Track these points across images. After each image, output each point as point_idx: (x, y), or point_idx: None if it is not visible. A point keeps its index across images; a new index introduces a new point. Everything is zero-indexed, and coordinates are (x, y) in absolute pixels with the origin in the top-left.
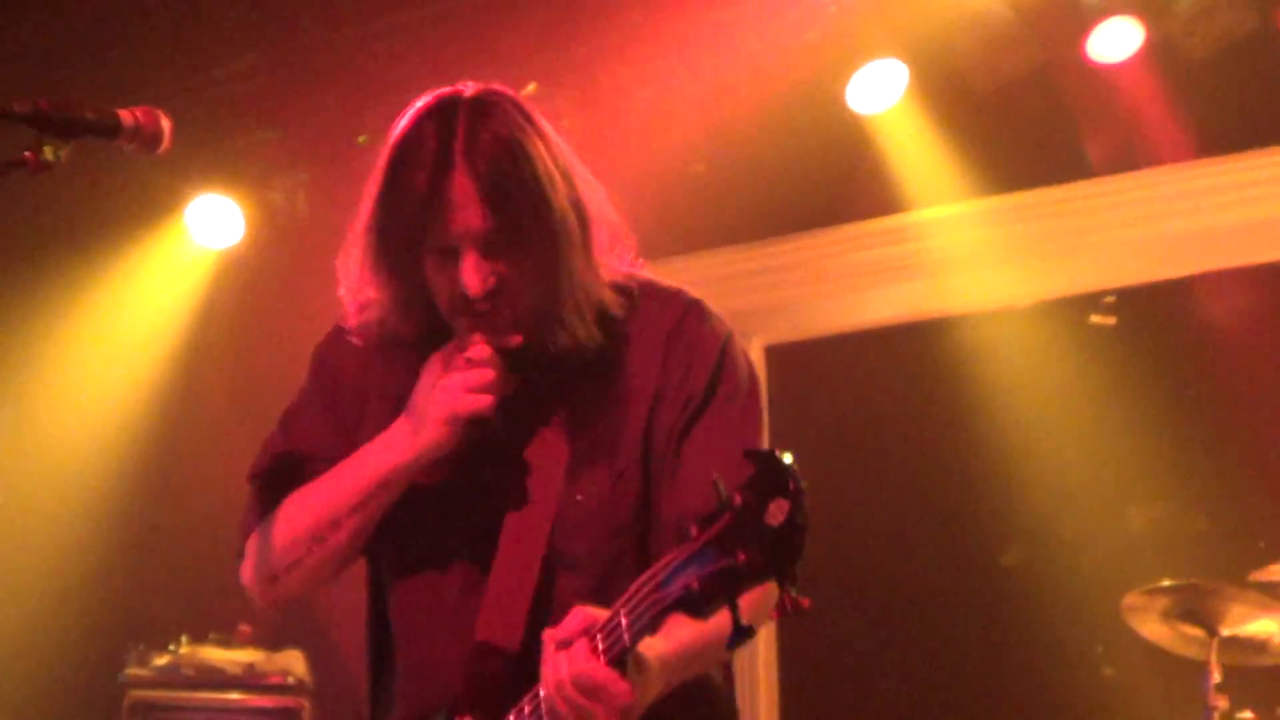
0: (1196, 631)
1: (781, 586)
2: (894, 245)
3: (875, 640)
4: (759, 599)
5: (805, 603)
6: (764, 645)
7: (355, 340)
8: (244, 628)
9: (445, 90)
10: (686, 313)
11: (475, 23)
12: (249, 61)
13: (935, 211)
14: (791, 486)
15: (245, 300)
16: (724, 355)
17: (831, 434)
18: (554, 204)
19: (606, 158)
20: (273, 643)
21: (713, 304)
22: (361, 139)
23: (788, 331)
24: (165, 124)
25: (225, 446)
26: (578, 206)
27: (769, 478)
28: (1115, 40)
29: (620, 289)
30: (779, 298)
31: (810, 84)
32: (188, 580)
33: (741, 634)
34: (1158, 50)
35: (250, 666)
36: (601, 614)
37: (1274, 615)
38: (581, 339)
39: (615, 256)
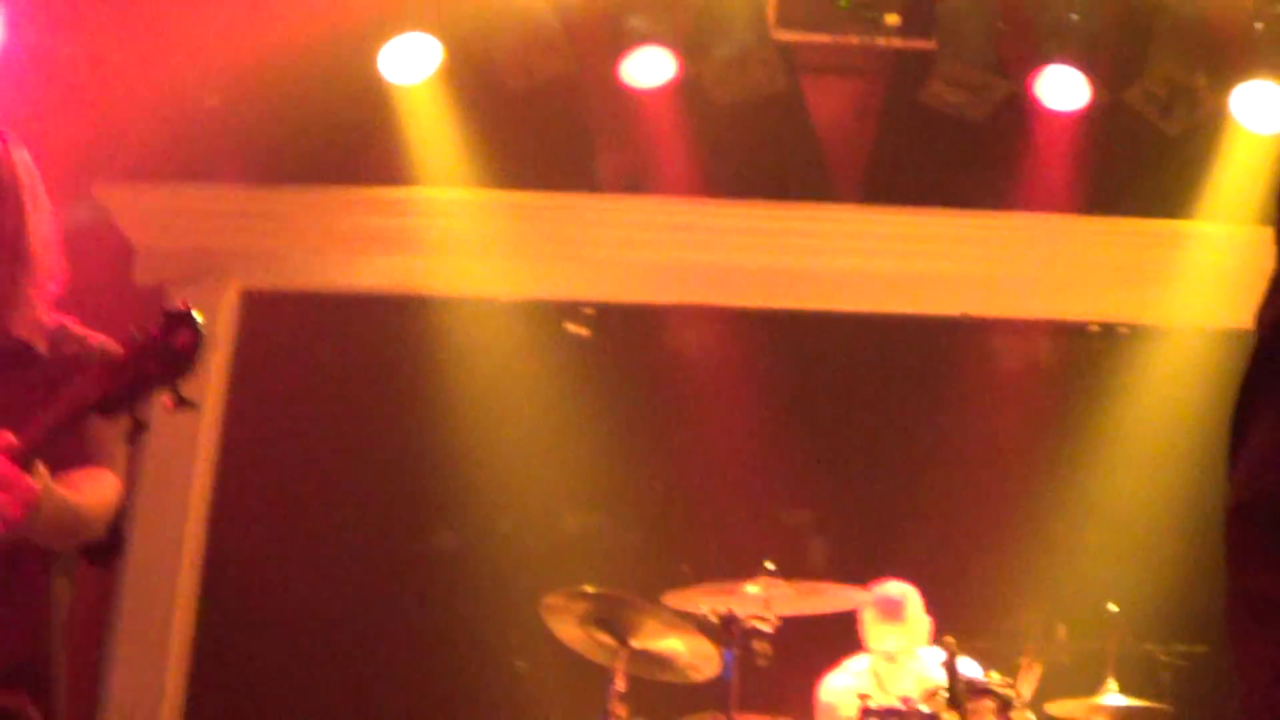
0: (609, 640)
1: (175, 389)
2: (392, 217)
3: (297, 604)
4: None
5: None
6: (181, 601)
7: None
8: None
9: None
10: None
11: None
12: None
13: (439, 192)
14: (194, 321)
15: None
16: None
17: (296, 388)
18: None
19: (127, 68)
20: None
21: (195, 239)
22: None
23: (269, 280)
24: None
25: None
26: (20, 244)
27: (177, 319)
28: (649, 68)
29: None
30: (267, 245)
31: (345, 41)
32: None
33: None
34: (687, 87)
35: None
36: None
37: (683, 636)
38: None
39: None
